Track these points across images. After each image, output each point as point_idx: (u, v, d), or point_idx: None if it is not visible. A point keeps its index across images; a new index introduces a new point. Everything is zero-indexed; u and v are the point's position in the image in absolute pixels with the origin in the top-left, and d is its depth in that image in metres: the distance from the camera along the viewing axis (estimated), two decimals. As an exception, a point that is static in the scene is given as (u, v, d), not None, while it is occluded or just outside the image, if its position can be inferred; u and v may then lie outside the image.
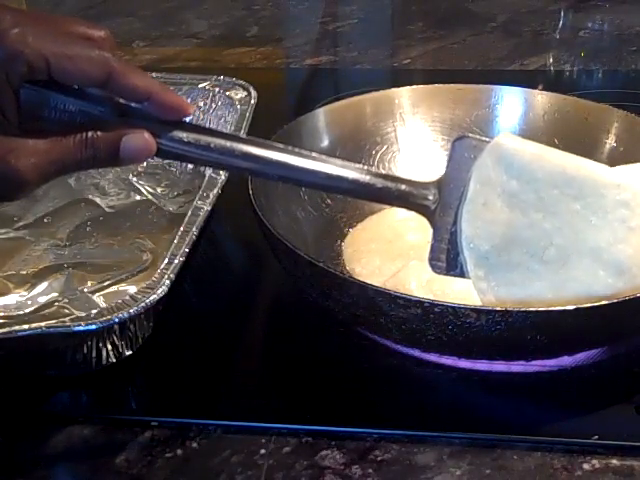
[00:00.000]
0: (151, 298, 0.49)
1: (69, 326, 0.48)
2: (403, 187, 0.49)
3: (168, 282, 0.51)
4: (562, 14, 1.25)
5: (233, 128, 0.70)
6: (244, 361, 0.57)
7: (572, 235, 0.48)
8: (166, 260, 0.52)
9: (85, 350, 0.51)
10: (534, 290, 0.49)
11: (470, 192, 0.48)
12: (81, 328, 0.47)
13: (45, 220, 0.70)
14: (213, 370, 0.56)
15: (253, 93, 0.75)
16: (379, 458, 0.49)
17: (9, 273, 0.63)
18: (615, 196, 0.49)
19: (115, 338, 0.51)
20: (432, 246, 0.49)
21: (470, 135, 0.50)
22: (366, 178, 0.48)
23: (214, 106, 0.76)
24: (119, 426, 0.51)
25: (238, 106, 0.73)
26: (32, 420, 0.52)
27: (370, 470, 0.48)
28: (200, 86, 0.77)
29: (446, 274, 0.50)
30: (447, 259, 0.49)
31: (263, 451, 0.49)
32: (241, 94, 0.75)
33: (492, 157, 0.48)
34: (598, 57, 1.10)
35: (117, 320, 0.48)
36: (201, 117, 0.76)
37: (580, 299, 0.48)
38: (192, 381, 0.55)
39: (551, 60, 1.09)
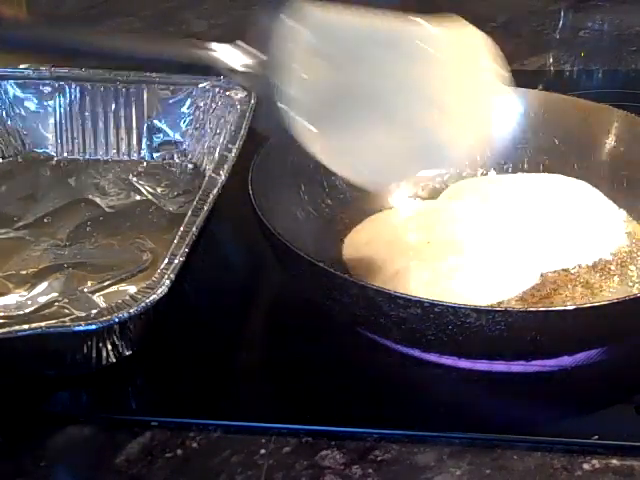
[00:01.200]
0: (151, 298, 0.49)
1: (69, 326, 0.48)
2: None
3: (168, 282, 0.51)
4: (562, 14, 1.24)
5: (233, 128, 0.70)
6: (244, 361, 0.57)
7: (388, 81, 0.51)
8: (166, 260, 0.52)
9: (85, 350, 0.51)
10: (364, 138, 0.51)
11: (284, 56, 0.49)
12: (81, 328, 0.47)
13: (45, 220, 0.70)
14: (213, 370, 0.56)
15: (253, 93, 0.75)
16: (379, 458, 0.49)
17: (9, 273, 0.63)
18: (417, 39, 0.51)
19: (115, 338, 0.51)
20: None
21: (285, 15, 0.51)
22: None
23: (214, 106, 0.76)
24: (119, 426, 0.51)
25: (238, 106, 0.73)
26: (32, 420, 0.52)
27: (370, 470, 0.48)
28: (200, 86, 0.77)
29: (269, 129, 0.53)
30: (274, 115, 0.50)
31: (263, 451, 0.49)
32: (241, 94, 0.75)
33: (301, 22, 0.49)
34: (598, 57, 1.09)
35: (117, 320, 0.48)
36: (201, 117, 0.76)
37: (407, 135, 0.51)
38: (192, 381, 0.55)
39: (551, 60, 1.09)
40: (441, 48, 0.52)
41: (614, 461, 0.48)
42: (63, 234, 0.68)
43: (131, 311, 0.48)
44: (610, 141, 0.70)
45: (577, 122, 0.71)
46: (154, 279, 0.51)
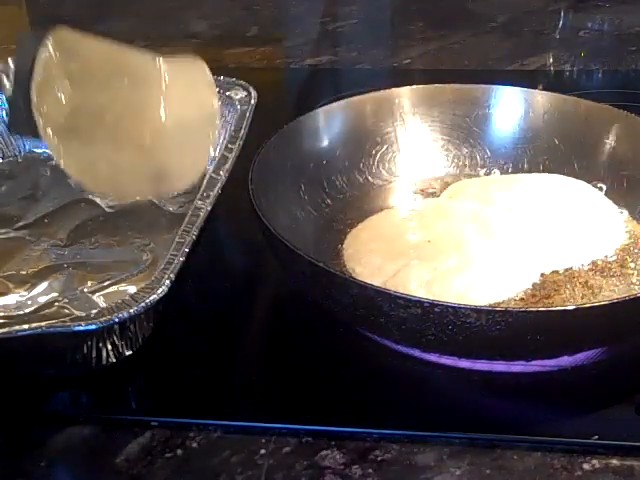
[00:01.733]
0: (151, 298, 0.49)
1: (69, 326, 0.48)
2: None
3: (168, 282, 0.51)
4: (562, 14, 1.25)
5: (233, 128, 0.70)
6: (244, 361, 0.57)
7: (118, 104, 0.55)
8: (166, 260, 0.52)
9: (85, 350, 0.51)
10: (100, 153, 0.55)
11: (36, 72, 0.53)
12: (81, 328, 0.47)
13: (45, 220, 0.70)
14: (213, 370, 0.56)
15: (253, 93, 0.75)
16: (379, 458, 0.49)
17: (9, 273, 0.63)
18: (146, 68, 0.56)
19: (115, 338, 0.51)
20: (10, 112, 0.57)
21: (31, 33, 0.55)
22: None
23: (214, 106, 0.76)
24: (119, 426, 0.51)
25: (238, 106, 0.73)
26: (32, 420, 0.52)
27: (370, 470, 0.48)
28: (200, 86, 0.77)
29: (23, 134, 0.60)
30: (26, 124, 0.54)
31: (263, 451, 0.49)
32: (241, 94, 0.75)
33: (54, 44, 0.54)
34: (598, 57, 1.10)
35: (117, 320, 0.48)
36: (201, 117, 0.76)
37: (133, 154, 0.55)
38: (192, 381, 0.55)
39: (551, 60, 1.09)
40: (169, 79, 0.56)
41: (614, 461, 0.48)
42: (63, 234, 0.68)
43: (131, 311, 0.48)
44: (610, 141, 0.70)
45: (577, 122, 0.71)
46: (154, 279, 0.51)
